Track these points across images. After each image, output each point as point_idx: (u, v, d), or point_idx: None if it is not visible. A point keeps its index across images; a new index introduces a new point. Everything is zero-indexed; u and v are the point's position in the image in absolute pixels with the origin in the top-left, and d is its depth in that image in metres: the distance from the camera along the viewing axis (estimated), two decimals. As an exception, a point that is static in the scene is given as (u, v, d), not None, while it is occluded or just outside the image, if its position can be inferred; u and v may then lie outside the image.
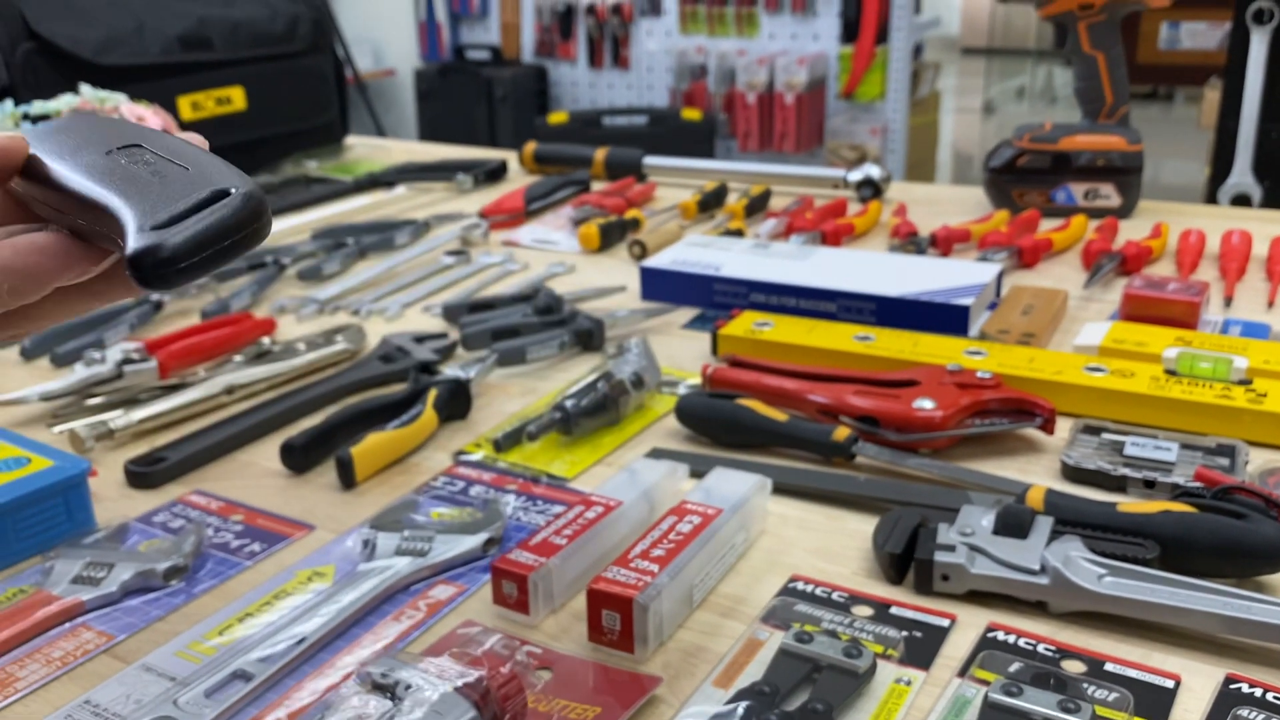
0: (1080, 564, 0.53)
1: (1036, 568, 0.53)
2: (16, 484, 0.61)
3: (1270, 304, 0.90)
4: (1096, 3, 1.07)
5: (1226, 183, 2.47)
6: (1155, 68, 5.22)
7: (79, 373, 0.80)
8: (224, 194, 0.34)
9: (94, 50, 1.33)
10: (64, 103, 1.06)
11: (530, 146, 1.51)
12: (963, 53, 7.12)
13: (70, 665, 0.52)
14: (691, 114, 3.42)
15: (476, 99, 3.83)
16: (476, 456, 0.72)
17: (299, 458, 0.70)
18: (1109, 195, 1.11)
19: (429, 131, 3.94)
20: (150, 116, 1.09)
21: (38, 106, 1.04)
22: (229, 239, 0.33)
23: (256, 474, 0.71)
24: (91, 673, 0.52)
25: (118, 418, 0.74)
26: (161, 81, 1.40)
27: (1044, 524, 0.56)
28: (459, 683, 0.44)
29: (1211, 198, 2.52)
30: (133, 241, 0.32)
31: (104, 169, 0.36)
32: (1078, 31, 1.09)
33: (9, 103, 1.05)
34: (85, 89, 1.10)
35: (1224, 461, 0.64)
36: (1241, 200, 2.46)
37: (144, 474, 0.69)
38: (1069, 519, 0.56)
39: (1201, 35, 4.98)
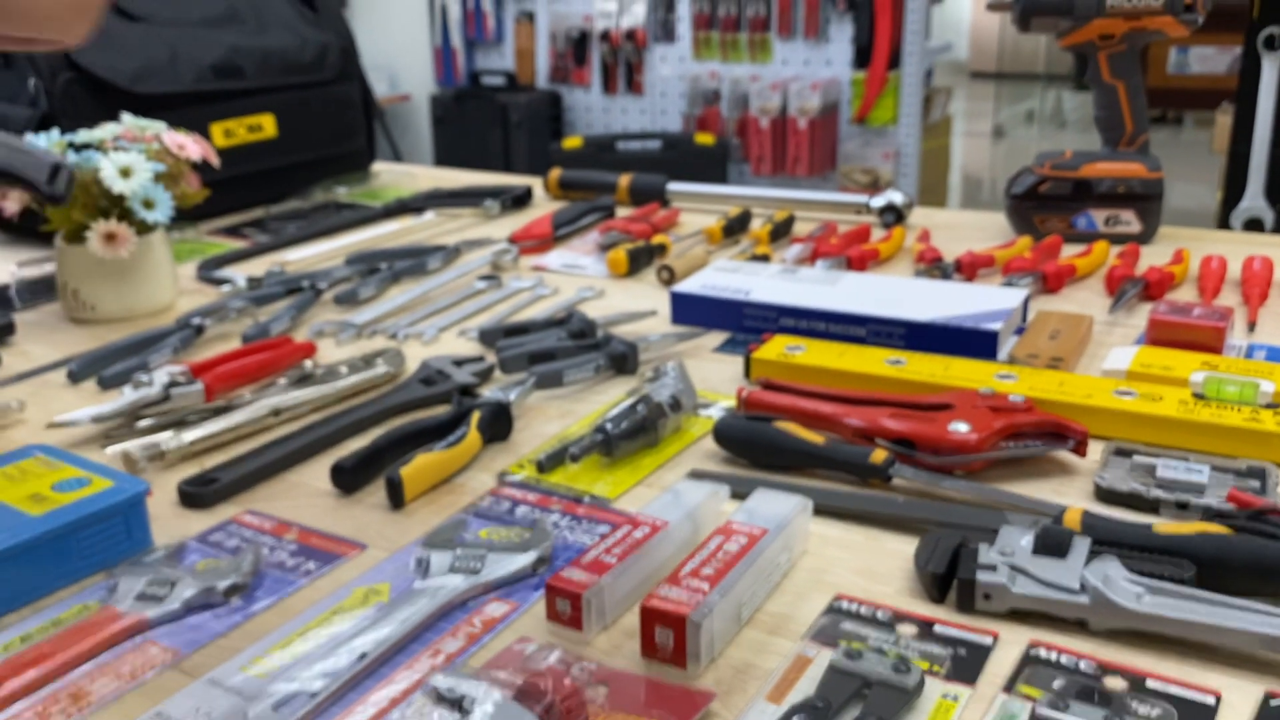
0: (1120, 583, 0.54)
1: (1076, 587, 0.54)
2: (80, 504, 0.63)
3: (1293, 329, 0.92)
4: (1116, 33, 1.09)
5: (1239, 206, 2.49)
6: (1165, 91, 5.26)
7: (128, 395, 0.82)
8: (59, 166, 0.80)
9: (130, 79, 1.36)
10: (107, 131, 1.08)
11: (555, 173, 1.54)
12: (971, 77, 7.17)
13: (139, 680, 0.54)
14: (705, 138, 3.46)
15: (491, 124, 3.87)
16: (520, 477, 0.73)
17: (349, 478, 0.72)
18: (1130, 221, 1.13)
19: (444, 156, 3.98)
20: (190, 145, 1.11)
21: (83, 135, 1.07)
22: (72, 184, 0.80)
23: (307, 494, 0.72)
24: (159, 687, 0.53)
25: (169, 439, 0.76)
26: (195, 109, 1.43)
27: (1082, 544, 0.57)
28: (524, 697, 0.46)
29: (1224, 221, 2.54)
30: (46, 190, 0.77)
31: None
32: (1098, 61, 1.12)
33: (55, 132, 1.07)
34: (127, 118, 1.12)
35: (1255, 484, 0.66)
36: (1254, 224, 2.48)
37: (197, 494, 0.71)
38: (1106, 539, 0.58)
39: (1210, 60, 5.02)
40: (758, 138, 3.46)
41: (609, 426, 0.74)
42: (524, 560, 0.61)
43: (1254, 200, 2.50)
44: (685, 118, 3.66)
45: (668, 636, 0.53)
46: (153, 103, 1.37)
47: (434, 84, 4.22)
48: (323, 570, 0.63)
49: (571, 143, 3.59)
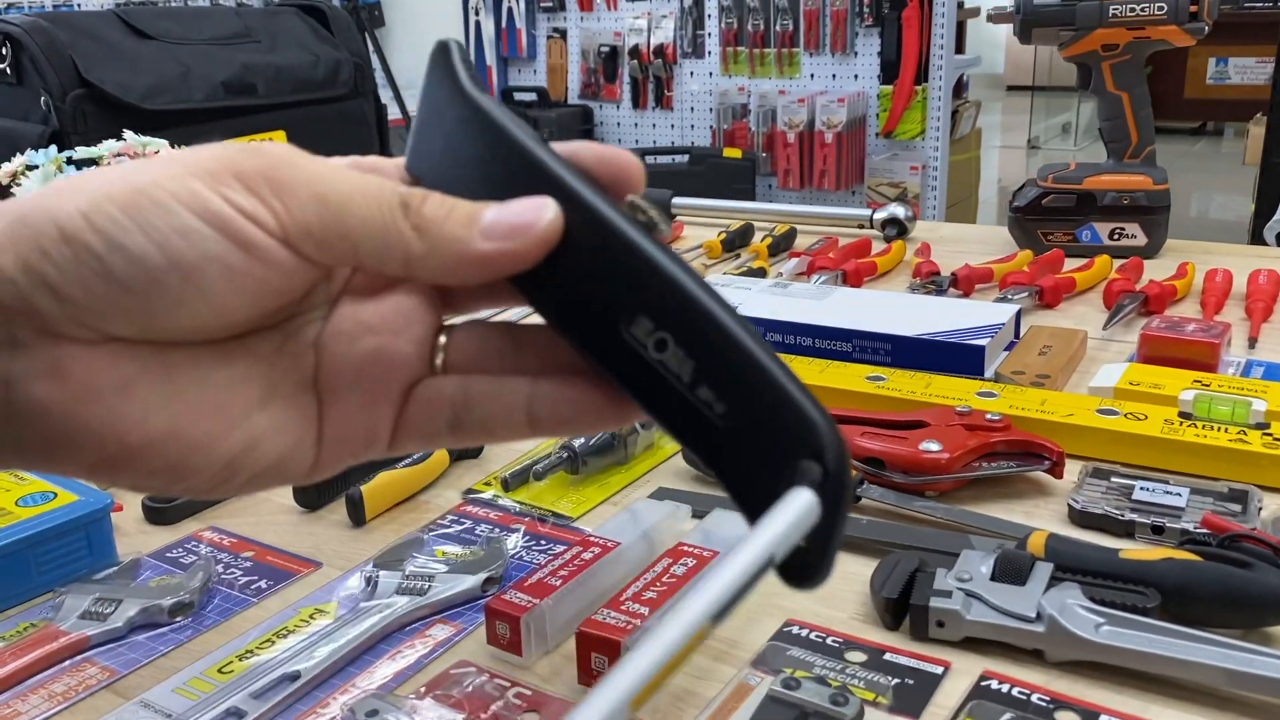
0: (1077, 612, 0.52)
1: (1033, 615, 0.52)
2: (41, 518, 0.63)
3: (1297, 346, 0.88)
4: (1120, 42, 1.07)
5: (1272, 220, 2.43)
6: (1203, 103, 5.17)
7: (106, 410, 0.82)
8: (819, 453, 0.28)
9: (140, 96, 1.38)
10: (106, 148, 1.09)
11: (561, 187, 1.53)
12: (1008, 90, 7.10)
13: (72, 700, 0.53)
14: (732, 153, 3.44)
15: (522, 139, 3.89)
16: (486, 495, 0.72)
17: (312, 495, 0.71)
18: (1135, 234, 1.10)
19: (475, 172, 4.01)
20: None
21: (81, 152, 1.08)
22: (841, 532, 0.28)
23: (271, 510, 0.72)
24: (91, 708, 0.53)
25: (139, 455, 0.76)
26: (206, 125, 1.45)
27: (1043, 570, 0.55)
28: (441, 723, 0.45)
29: (1256, 235, 2.48)
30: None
31: (643, 381, 0.28)
32: (1101, 71, 1.09)
33: (53, 149, 1.09)
34: (129, 135, 1.13)
35: (1235, 507, 0.63)
36: (1290, 237, 2.42)
37: (160, 509, 0.70)
38: (1069, 565, 0.55)
39: (1250, 70, 4.93)
40: (785, 151, 3.44)
41: (575, 443, 0.73)
42: (472, 581, 0.60)
43: (1290, 213, 2.43)
44: (714, 132, 3.65)
45: (604, 663, 0.51)
46: (164, 119, 1.39)
47: (466, 100, 4.25)
48: (273, 589, 0.62)
49: (600, 157, 3.60)
